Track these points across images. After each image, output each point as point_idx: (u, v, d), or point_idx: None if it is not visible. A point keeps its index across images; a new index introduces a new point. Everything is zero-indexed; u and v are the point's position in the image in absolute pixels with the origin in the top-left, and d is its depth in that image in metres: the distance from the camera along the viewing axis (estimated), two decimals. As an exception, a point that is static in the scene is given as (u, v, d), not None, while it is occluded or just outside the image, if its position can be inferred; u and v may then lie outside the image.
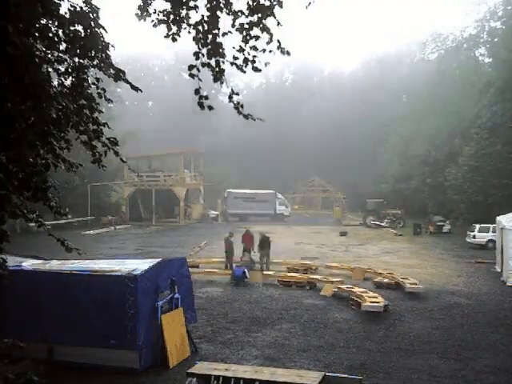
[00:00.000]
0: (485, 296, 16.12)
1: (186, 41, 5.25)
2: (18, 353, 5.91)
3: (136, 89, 5.24)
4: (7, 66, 4.17)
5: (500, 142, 33.66)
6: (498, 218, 21.18)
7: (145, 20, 4.88)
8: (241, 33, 4.75)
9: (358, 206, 49.00)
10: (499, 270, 19.73)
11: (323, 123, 73.98)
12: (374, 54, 69.88)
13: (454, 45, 45.94)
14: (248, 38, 4.74)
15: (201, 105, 4.90)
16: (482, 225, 28.14)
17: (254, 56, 4.78)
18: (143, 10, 4.89)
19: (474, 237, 28.47)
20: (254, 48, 4.76)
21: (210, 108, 4.87)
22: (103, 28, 4.87)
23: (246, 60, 4.79)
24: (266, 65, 4.84)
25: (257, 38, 4.75)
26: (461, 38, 45.23)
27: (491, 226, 25.70)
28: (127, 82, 5.13)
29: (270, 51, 4.78)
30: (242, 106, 4.86)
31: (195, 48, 4.90)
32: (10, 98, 4.25)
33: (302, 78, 75.06)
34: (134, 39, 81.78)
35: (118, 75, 5.01)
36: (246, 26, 4.74)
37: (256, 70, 4.85)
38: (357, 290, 15.05)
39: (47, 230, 5.43)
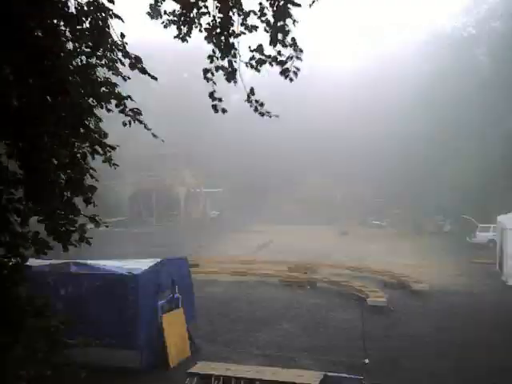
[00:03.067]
0: (485, 296, 16.12)
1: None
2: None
3: (153, 77, 5.21)
4: (34, 62, 4.14)
5: (500, 141, 33.67)
6: (499, 218, 21.17)
7: (156, 19, 4.88)
8: (250, 32, 4.76)
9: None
10: (499, 269, 19.72)
11: (324, 122, 73.97)
12: (374, 53, 69.80)
13: (454, 44, 45.88)
14: (275, 40, 4.74)
15: (214, 107, 4.89)
16: (483, 225, 28.12)
17: (269, 56, 4.80)
18: (155, 11, 4.89)
19: (474, 237, 28.47)
20: (271, 58, 4.77)
21: (224, 111, 4.88)
22: (119, 18, 4.83)
23: (260, 60, 4.80)
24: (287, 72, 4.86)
25: (281, 40, 4.75)
26: (461, 38, 45.18)
27: (492, 225, 25.67)
28: (143, 70, 5.07)
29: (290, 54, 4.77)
30: (261, 105, 4.87)
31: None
32: (39, 96, 4.23)
33: (305, 78, 75.01)
34: (134, 39, 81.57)
35: (134, 64, 4.97)
36: (267, 28, 4.74)
37: (284, 73, 4.84)
38: (356, 284, 15.24)
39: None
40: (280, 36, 4.77)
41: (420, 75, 53.68)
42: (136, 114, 5.09)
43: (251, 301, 15.25)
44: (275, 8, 4.70)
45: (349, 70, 75.32)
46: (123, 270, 9.81)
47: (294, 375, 8.08)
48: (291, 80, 4.89)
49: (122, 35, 4.87)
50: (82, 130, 4.74)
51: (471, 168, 35.04)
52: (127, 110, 5.07)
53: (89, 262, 11.48)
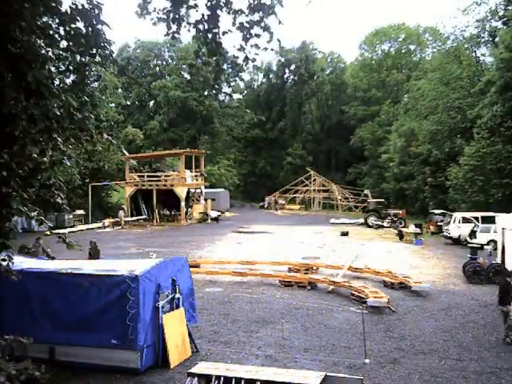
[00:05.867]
0: (486, 296, 16.10)
1: (188, 41, 5.26)
2: (20, 350, 5.92)
3: (139, 84, 5.30)
4: (10, 63, 4.16)
5: (501, 141, 33.63)
6: (499, 218, 21.15)
7: (144, 18, 4.89)
8: (241, 31, 4.77)
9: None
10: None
11: (324, 122, 74.02)
12: (375, 52, 69.88)
13: (455, 44, 45.86)
14: (248, 36, 4.76)
15: (201, 103, 4.94)
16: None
17: (256, 54, 4.81)
18: (143, 9, 4.89)
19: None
20: (256, 46, 4.78)
21: (212, 105, 4.93)
22: (107, 25, 4.84)
23: (246, 58, 4.81)
24: (257, 68, 4.91)
25: (258, 36, 4.77)
26: (461, 38, 45.16)
27: (492, 225, 25.65)
28: (131, 77, 5.16)
29: (272, 49, 4.81)
30: (242, 104, 4.92)
31: (195, 47, 4.91)
32: (12, 95, 4.25)
33: (303, 78, 75.01)
34: (134, 39, 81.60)
35: (123, 71, 5.04)
36: (247, 25, 4.76)
37: (257, 68, 4.92)
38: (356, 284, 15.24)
39: (49, 227, 5.46)
40: (257, 30, 4.78)
41: (421, 75, 53.72)
42: (114, 137, 5.17)
43: (252, 301, 15.24)
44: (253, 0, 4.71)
45: (350, 70, 75.38)
46: (124, 270, 9.81)
47: (295, 375, 8.08)
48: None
49: (110, 43, 4.90)
50: (53, 135, 4.77)
51: (472, 167, 34.96)
52: (105, 133, 5.15)
53: (89, 262, 11.50)
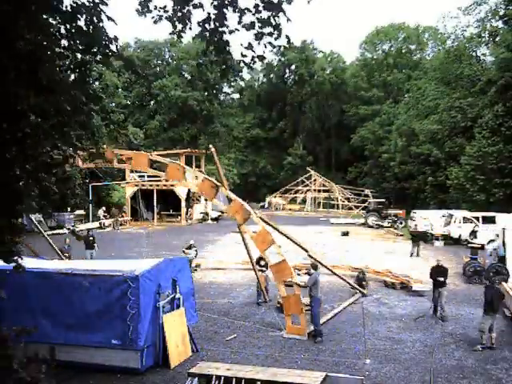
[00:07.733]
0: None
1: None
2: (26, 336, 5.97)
3: (146, 78, 5.30)
4: (20, 61, 4.17)
5: (502, 141, 33.60)
6: (499, 218, 21.16)
7: (145, 16, 4.89)
8: (247, 30, 4.77)
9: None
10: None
11: (324, 122, 73.89)
12: (375, 52, 69.84)
13: (456, 44, 45.83)
14: (260, 36, 4.76)
15: (210, 101, 4.96)
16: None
17: (270, 51, 4.83)
18: (143, 7, 4.89)
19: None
20: (271, 45, 4.79)
21: (220, 104, 4.93)
22: (112, 20, 4.81)
23: (258, 57, 4.80)
24: (270, 67, 4.89)
25: (271, 34, 4.78)
26: (462, 38, 45.12)
27: (493, 226, 25.64)
28: (137, 72, 5.19)
29: (284, 47, 4.81)
30: (252, 101, 4.92)
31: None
32: (23, 92, 4.25)
33: (303, 77, 74.94)
34: (135, 39, 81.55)
35: (129, 65, 5.02)
36: (259, 24, 4.76)
37: (270, 66, 4.92)
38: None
39: (56, 221, 5.53)
40: (268, 29, 4.78)
41: (421, 74, 53.72)
42: (121, 127, 5.20)
43: (252, 301, 15.23)
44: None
45: (350, 70, 75.34)
46: (124, 270, 9.81)
47: (296, 375, 8.09)
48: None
49: (111, 40, 4.89)
50: (65, 129, 4.78)
51: (473, 167, 34.93)
52: (113, 125, 5.15)
53: (89, 262, 11.49)
